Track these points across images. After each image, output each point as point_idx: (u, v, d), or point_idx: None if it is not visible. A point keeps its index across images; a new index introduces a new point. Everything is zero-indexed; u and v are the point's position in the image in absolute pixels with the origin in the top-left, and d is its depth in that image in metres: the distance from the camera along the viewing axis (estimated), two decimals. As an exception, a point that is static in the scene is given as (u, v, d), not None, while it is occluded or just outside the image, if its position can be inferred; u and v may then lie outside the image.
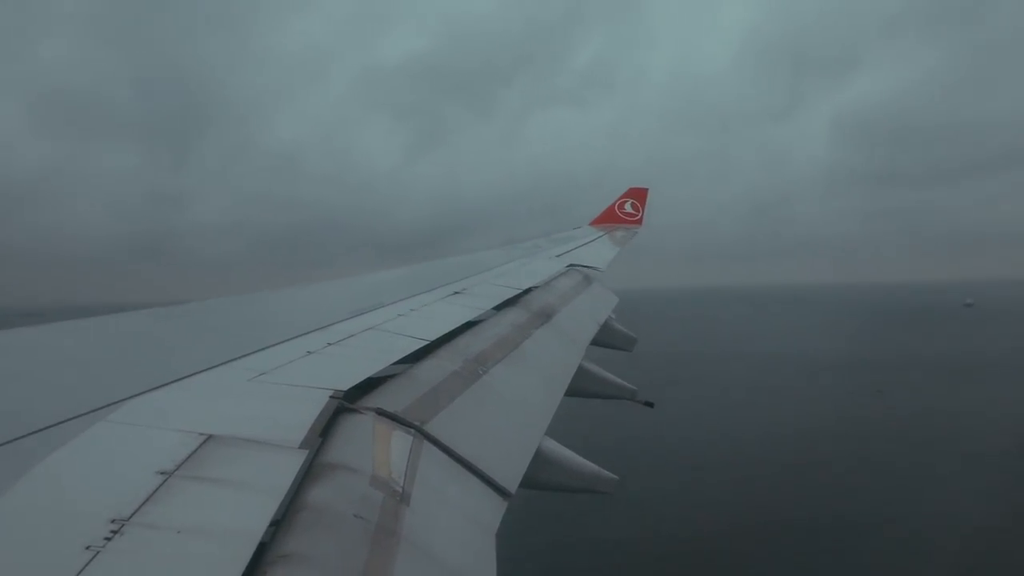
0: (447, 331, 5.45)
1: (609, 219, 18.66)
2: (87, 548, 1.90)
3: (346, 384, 3.66)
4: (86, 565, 1.82)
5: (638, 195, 19.43)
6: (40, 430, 2.69)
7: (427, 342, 4.98)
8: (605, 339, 8.67)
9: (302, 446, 2.82)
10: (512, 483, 3.44)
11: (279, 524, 2.25)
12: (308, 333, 4.79)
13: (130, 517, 2.09)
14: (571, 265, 11.27)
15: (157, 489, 2.28)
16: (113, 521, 2.05)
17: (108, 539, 1.95)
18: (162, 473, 2.40)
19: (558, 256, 12.12)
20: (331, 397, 3.43)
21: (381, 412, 3.45)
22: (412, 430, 3.39)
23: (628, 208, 19.04)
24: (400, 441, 3.22)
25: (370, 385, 3.86)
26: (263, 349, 4.25)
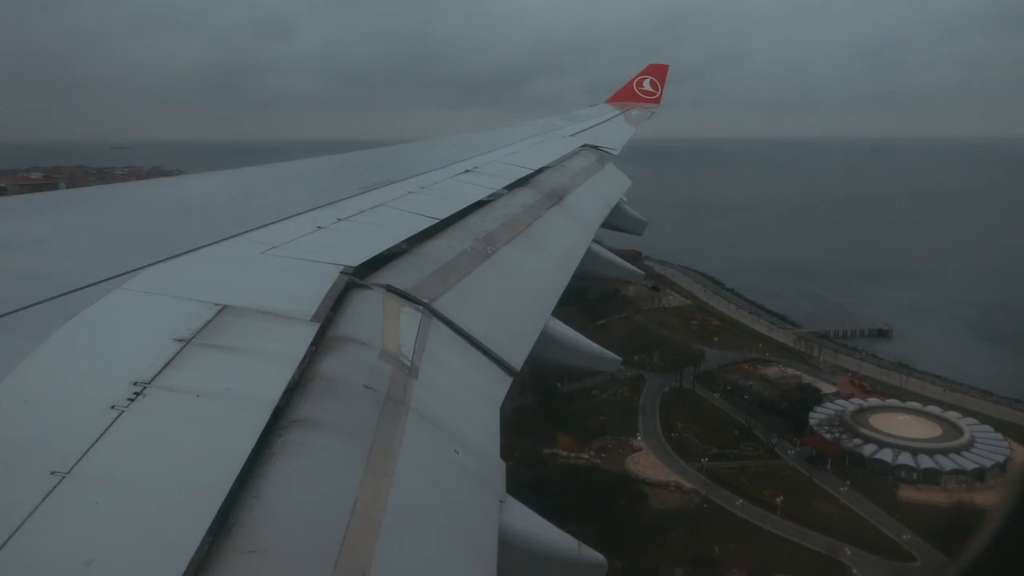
0: (458, 210, 5.44)
1: (627, 97, 18.09)
2: (112, 407, 2.00)
3: (356, 260, 3.71)
4: (112, 422, 1.93)
5: (658, 72, 18.72)
6: (59, 295, 2.76)
7: (437, 220, 4.99)
8: (616, 222, 8.64)
9: (314, 319, 2.90)
10: (518, 360, 3.55)
11: (293, 391, 2.36)
12: (318, 208, 4.79)
13: (151, 380, 2.19)
14: (585, 145, 11.05)
15: (176, 356, 2.37)
16: (135, 384, 2.15)
17: (131, 400, 2.06)
18: (179, 340, 2.48)
19: (572, 135, 11.86)
20: (342, 272, 3.49)
21: (391, 289, 3.52)
22: (421, 307, 3.46)
23: (647, 86, 18.41)
24: (409, 317, 3.30)
25: (380, 261, 3.90)
26: (274, 223, 4.27)
